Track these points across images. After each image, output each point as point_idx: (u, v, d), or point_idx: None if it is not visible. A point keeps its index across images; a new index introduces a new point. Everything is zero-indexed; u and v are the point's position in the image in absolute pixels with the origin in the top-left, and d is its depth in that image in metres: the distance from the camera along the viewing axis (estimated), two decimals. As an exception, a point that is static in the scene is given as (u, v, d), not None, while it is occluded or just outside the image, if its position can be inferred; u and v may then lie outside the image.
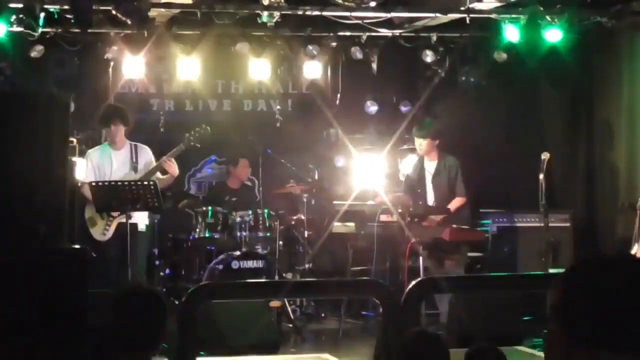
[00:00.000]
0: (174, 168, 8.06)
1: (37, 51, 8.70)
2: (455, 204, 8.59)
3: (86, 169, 8.12)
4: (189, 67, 9.27)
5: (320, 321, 9.08)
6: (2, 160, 4.91)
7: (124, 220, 7.65)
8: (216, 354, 6.87)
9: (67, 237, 4.96)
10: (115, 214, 7.87)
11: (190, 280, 8.58)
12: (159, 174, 8.10)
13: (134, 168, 8.10)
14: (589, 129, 9.67)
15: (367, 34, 9.18)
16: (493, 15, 8.80)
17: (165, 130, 9.46)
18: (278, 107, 10.39)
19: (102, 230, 7.94)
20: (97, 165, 8.14)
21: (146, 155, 8.22)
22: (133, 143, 8.24)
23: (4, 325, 4.46)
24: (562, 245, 8.85)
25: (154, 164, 8.11)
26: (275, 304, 8.07)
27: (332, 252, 9.68)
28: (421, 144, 8.64)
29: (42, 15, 8.03)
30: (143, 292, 3.53)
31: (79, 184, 8.04)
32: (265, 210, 8.88)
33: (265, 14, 8.42)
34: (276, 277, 8.40)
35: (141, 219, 8.08)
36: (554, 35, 8.70)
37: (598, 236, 9.36)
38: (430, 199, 8.78)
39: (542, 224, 8.06)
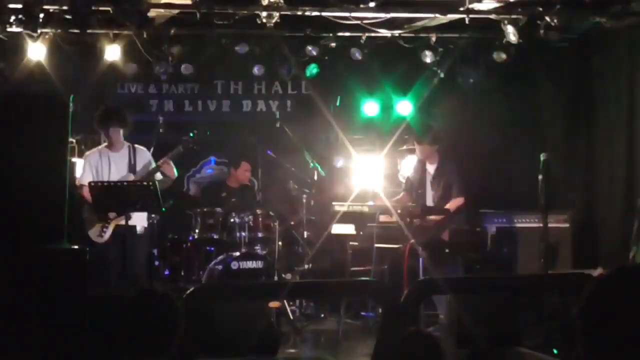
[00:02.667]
0: (171, 170, 8.04)
1: (37, 51, 8.70)
2: (453, 204, 8.58)
3: (84, 170, 8.09)
4: (188, 68, 9.26)
5: (320, 322, 9.07)
6: (2, 160, 4.91)
7: (121, 222, 7.57)
8: (215, 354, 6.85)
9: (67, 237, 4.95)
10: (112, 215, 7.77)
11: (190, 281, 8.58)
12: (158, 175, 8.07)
13: (132, 170, 8.06)
14: (589, 129, 9.67)
15: (367, 34, 9.19)
16: (492, 16, 8.80)
17: (164, 131, 9.46)
18: (277, 107, 10.39)
19: (100, 232, 7.87)
20: (95, 166, 8.09)
21: (144, 157, 8.17)
22: (131, 145, 8.18)
23: (3, 325, 4.46)
24: (561, 246, 8.87)
25: (153, 165, 8.07)
26: (274, 304, 8.06)
27: (332, 252, 9.66)
28: (420, 149, 8.61)
29: (42, 15, 8.03)
30: (156, 296, 3.45)
31: (78, 185, 8.03)
32: (265, 211, 8.88)
33: (264, 14, 8.42)
34: (275, 278, 8.39)
35: (139, 221, 8.01)
36: (551, 36, 8.71)
37: (597, 237, 9.36)
38: (429, 201, 8.77)
39: (541, 225, 8.05)
